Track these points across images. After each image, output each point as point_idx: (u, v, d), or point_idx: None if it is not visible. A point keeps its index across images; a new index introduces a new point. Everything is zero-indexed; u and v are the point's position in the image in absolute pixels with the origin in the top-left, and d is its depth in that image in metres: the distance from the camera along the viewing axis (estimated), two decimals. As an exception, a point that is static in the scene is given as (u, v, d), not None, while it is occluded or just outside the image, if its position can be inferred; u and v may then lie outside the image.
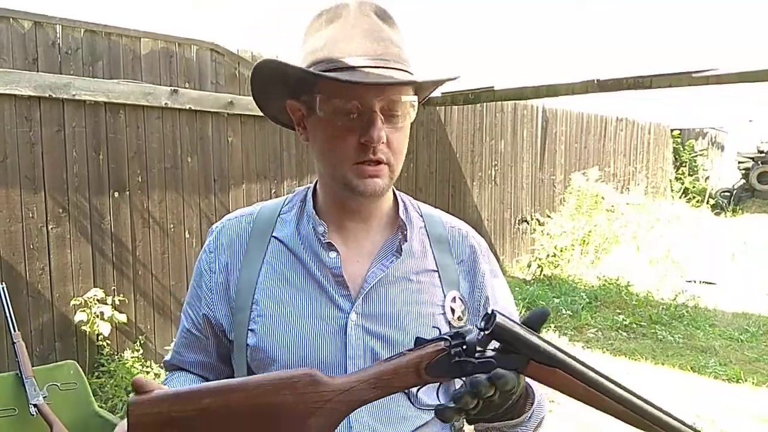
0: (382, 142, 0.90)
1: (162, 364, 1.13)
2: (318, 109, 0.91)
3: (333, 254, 0.97)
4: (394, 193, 1.07)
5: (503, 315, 0.72)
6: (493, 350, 0.74)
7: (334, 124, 0.91)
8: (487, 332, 0.72)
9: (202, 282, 1.03)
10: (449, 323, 1.01)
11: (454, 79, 0.97)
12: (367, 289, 0.97)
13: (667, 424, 0.78)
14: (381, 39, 0.91)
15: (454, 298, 1.03)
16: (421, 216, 1.08)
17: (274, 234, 1.02)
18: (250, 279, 0.99)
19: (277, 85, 0.97)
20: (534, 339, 0.74)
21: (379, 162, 0.92)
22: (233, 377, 1.02)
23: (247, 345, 0.96)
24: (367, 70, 0.88)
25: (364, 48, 0.89)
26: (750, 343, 4.80)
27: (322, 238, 0.98)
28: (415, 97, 0.96)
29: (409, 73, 0.92)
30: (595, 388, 0.76)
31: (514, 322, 0.73)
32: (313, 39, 0.94)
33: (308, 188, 1.07)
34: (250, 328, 0.97)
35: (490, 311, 0.73)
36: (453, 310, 1.02)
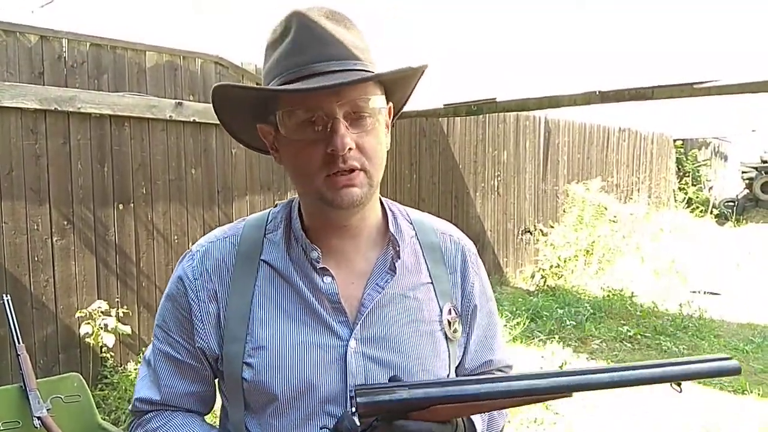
0: (350, 149, 0.85)
1: (132, 408, 1.03)
2: (281, 125, 0.88)
3: (328, 279, 0.94)
4: (382, 204, 1.03)
5: (362, 389, 0.80)
6: (375, 420, 0.81)
7: (299, 138, 0.87)
8: (358, 415, 0.79)
9: (192, 313, 0.95)
10: (446, 336, 0.99)
11: (416, 69, 0.92)
12: (364, 314, 0.93)
13: (543, 388, 0.81)
14: (332, 43, 0.87)
15: (450, 309, 1.01)
16: (411, 224, 1.05)
17: (262, 257, 0.96)
18: (241, 308, 0.93)
19: (243, 110, 0.94)
20: (398, 395, 0.81)
21: (352, 170, 0.87)
22: (222, 406, 1.00)
23: (244, 379, 0.91)
24: (320, 76, 0.85)
25: (315, 55, 0.86)
26: (755, 354, 4.77)
27: (316, 264, 0.94)
28: (383, 99, 0.91)
29: (366, 71, 0.87)
30: (473, 399, 0.81)
31: (375, 389, 0.80)
32: (270, 58, 0.91)
33: (291, 204, 1.01)
34: (245, 361, 0.91)
35: (353, 393, 0.79)
36: (450, 323, 1.00)
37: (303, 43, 0.87)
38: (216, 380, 1.02)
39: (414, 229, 1.04)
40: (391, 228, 0.99)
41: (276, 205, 1.04)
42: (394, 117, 1.03)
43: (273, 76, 0.90)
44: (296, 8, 0.91)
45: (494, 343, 1.12)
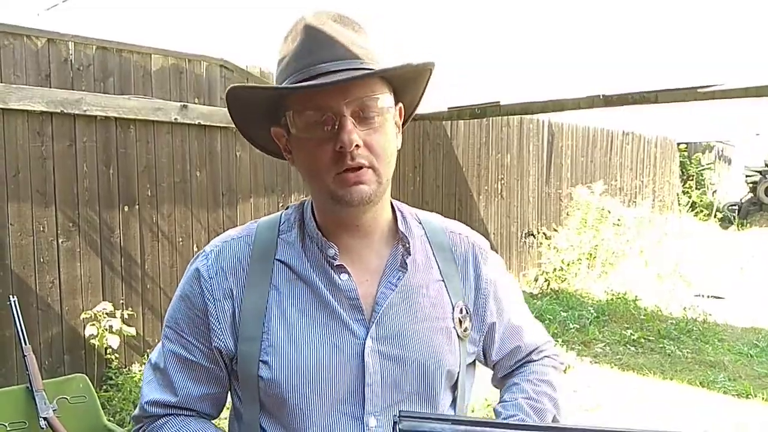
0: (357, 145, 0.86)
1: (140, 412, 1.01)
2: (291, 126, 0.90)
3: (345, 276, 0.94)
4: (392, 204, 1.04)
5: (407, 416, 0.72)
6: None
7: (309, 138, 0.88)
8: None
9: (207, 313, 0.94)
10: (458, 335, 1.00)
11: (421, 67, 0.92)
12: (380, 312, 0.94)
13: None
14: (339, 45, 0.89)
15: (461, 309, 1.02)
16: (420, 223, 1.06)
17: (277, 257, 0.96)
18: (257, 306, 0.93)
19: (256, 114, 0.95)
20: (440, 428, 0.74)
21: (360, 167, 0.88)
22: (232, 408, 1.00)
23: (260, 377, 0.91)
24: (326, 76, 0.86)
25: (322, 56, 0.88)
26: (759, 358, 4.76)
27: (333, 261, 0.94)
28: (391, 98, 0.92)
29: (372, 70, 0.88)
30: None
31: (421, 418, 0.73)
32: (281, 62, 0.93)
33: (303, 205, 1.02)
34: (262, 359, 0.91)
35: (397, 418, 0.72)
36: (461, 322, 1.01)
37: (311, 45, 0.89)
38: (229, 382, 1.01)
39: (423, 228, 1.05)
40: (401, 226, 1.00)
41: (287, 208, 1.04)
42: (406, 120, 1.04)
43: (283, 79, 0.91)
44: (305, 13, 0.93)
45: (521, 330, 1.12)
